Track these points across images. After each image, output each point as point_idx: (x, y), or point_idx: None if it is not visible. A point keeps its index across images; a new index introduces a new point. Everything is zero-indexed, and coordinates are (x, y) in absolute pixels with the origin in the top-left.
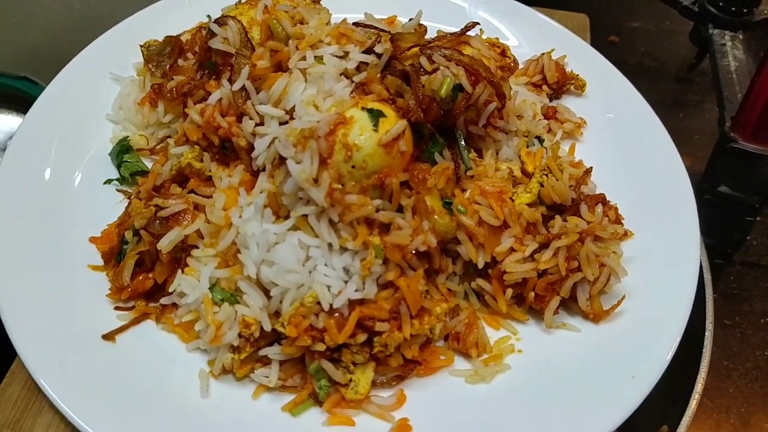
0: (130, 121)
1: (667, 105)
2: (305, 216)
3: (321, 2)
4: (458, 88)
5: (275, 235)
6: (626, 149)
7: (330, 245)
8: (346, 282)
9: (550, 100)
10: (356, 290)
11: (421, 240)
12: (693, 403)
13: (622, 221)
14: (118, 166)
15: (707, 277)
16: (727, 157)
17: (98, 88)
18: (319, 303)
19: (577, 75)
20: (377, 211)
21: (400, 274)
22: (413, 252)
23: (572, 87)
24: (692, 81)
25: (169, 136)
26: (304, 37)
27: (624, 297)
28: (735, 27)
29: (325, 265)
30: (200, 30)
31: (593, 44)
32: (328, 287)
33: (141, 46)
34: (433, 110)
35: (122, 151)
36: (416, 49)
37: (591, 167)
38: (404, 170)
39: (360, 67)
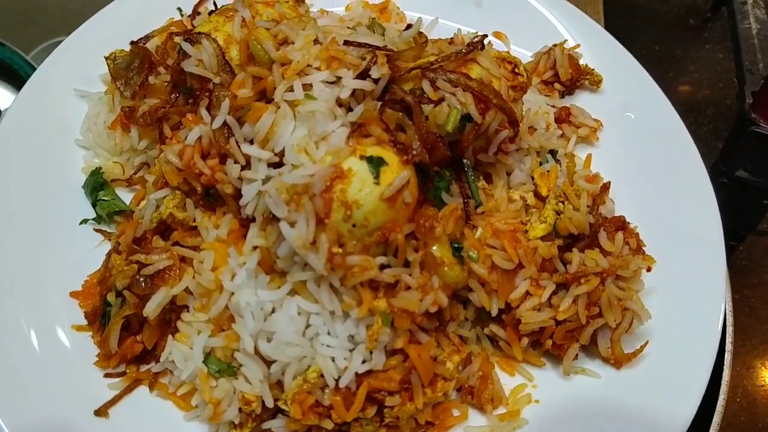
0: (102, 147)
1: (678, 56)
2: (303, 281)
3: (305, 1)
4: (466, 118)
5: (271, 303)
6: (645, 157)
7: (332, 312)
8: (350, 351)
9: (562, 96)
10: (363, 361)
11: (432, 300)
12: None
13: (644, 248)
14: (94, 204)
15: (727, 293)
16: (746, 141)
17: (63, 108)
18: (323, 376)
19: (593, 70)
20: (382, 268)
21: (409, 338)
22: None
23: (587, 82)
24: (705, 29)
25: (146, 163)
26: (290, 62)
27: (647, 342)
28: None
29: (328, 333)
30: (171, 36)
31: None
32: (332, 359)
33: (106, 59)
34: (439, 150)
35: (96, 187)
36: (417, 71)
37: (608, 183)
38: (409, 220)
39: (355, 93)
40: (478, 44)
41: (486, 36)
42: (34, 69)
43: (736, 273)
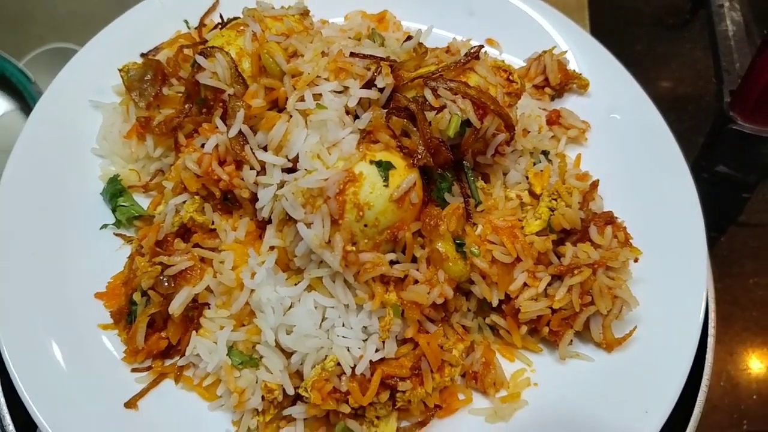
0: (118, 155)
1: (660, 54)
2: (319, 277)
3: (309, 15)
4: (466, 123)
5: (290, 298)
6: (631, 155)
7: (347, 306)
8: (364, 341)
9: (552, 100)
10: (377, 350)
11: (438, 292)
12: (696, 410)
13: (631, 240)
14: (113, 210)
15: (709, 281)
16: (726, 137)
17: (78, 119)
18: (339, 364)
19: (580, 75)
20: (391, 264)
21: (418, 328)
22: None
23: (575, 86)
24: (685, 29)
25: (161, 170)
26: (301, 73)
27: (636, 327)
28: None
29: (343, 325)
30: (181, 48)
31: None
32: (348, 348)
33: (120, 71)
34: (442, 154)
35: (116, 194)
36: (419, 80)
37: (597, 181)
38: (415, 219)
39: (361, 101)
40: (475, 54)
41: (482, 47)
42: (27, 76)
43: (718, 263)
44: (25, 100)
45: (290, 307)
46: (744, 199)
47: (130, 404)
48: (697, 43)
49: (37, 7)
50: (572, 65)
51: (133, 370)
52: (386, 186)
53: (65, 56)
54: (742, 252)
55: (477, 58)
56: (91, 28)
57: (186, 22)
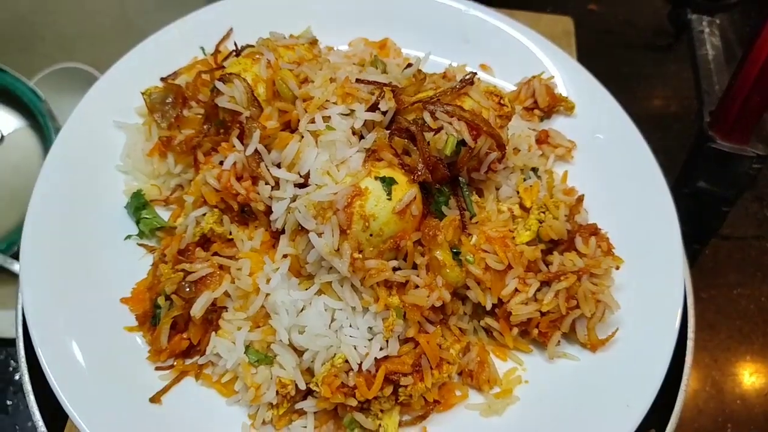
0: (140, 171)
1: (646, 75)
2: (329, 282)
3: (318, 44)
4: (461, 143)
5: (302, 301)
6: (614, 172)
7: (354, 308)
8: (370, 340)
9: (541, 121)
10: (381, 349)
11: (437, 296)
12: (677, 408)
13: (613, 250)
14: (137, 222)
15: (688, 288)
16: (705, 156)
17: (103, 138)
18: (347, 362)
19: (566, 98)
20: (394, 270)
21: (419, 329)
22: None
23: (562, 108)
24: (670, 52)
25: (181, 185)
26: (312, 98)
27: (617, 329)
28: (712, 11)
29: (350, 326)
30: (200, 74)
31: (574, 11)
32: (355, 347)
33: (143, 94)
34: (440, 170)
35: (139, 207)
36: (419, 104)
37: (582, 195)
38: (416, 230)
39: (366, 123)
40: (469, 81)
41: (475, 73)
42: (37, 95)
43: (703, 274)
44: (35, 118)
45: (302, 309)
46: (724, 212)
47: (155, 399)
48: (682, 65)
49: (47, 29)
50: (560, 89)
51: (157, 368)
52: (389, 199)
53: (74, 75)
54: (726, 264)
55: (471, 83)
56: (98, 49)
57: (202, 48)
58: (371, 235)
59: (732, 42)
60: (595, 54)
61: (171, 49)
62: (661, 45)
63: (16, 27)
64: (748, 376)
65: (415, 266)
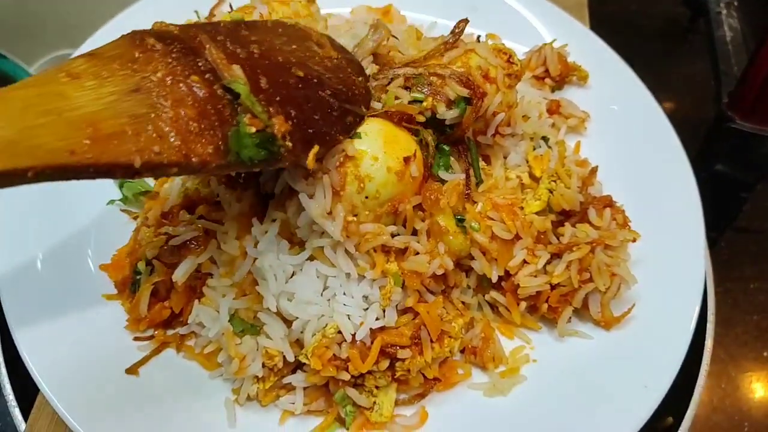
0: None
1: (660, 62)
2: (321, 247)
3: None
4: (466, 101)
5: (292, 266)
6: (630, 144)
7: (348, 274)
8: (365, 310)
9: (552, 91)
10: (377, 319)
11: (438, 264)
12: (696, 396)
13: (629, 224)
14: (120, 186)
15: (708, 270)
16: (723, 137)
17: None
18: (340, 332)
19: (580, 66)
20: (392, 236)
21: (419, 298)
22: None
23: (575, 78)
24: (685, 41)
25: None
26: None
27: (634, 305)
28: None
29: (344, 294)
30: None
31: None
32: (349, 316)
33: None
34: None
35: None
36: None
37: (596, 166)
38: (416, 193)
39: None
40: (459, 33)
41: (467, 20)
42: None
43: (719, 267)
44: None
45: (292, 275)
46: (743, 198)
47: (132, 371)
48: (696, 55)
49: (48, 15)
50: (572, 58)
51: (135, 338)
52: (386, 153)
53: None
54: (742, 257)
55: (461, 33)
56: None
57: (196, 12)
58: (367, 197)
59: (750, 24)
60: (608, 35)
61: (165, 12)
62: (676, 30)
63: (18, 14)
64: (766, 374)
65: (415, 233)
